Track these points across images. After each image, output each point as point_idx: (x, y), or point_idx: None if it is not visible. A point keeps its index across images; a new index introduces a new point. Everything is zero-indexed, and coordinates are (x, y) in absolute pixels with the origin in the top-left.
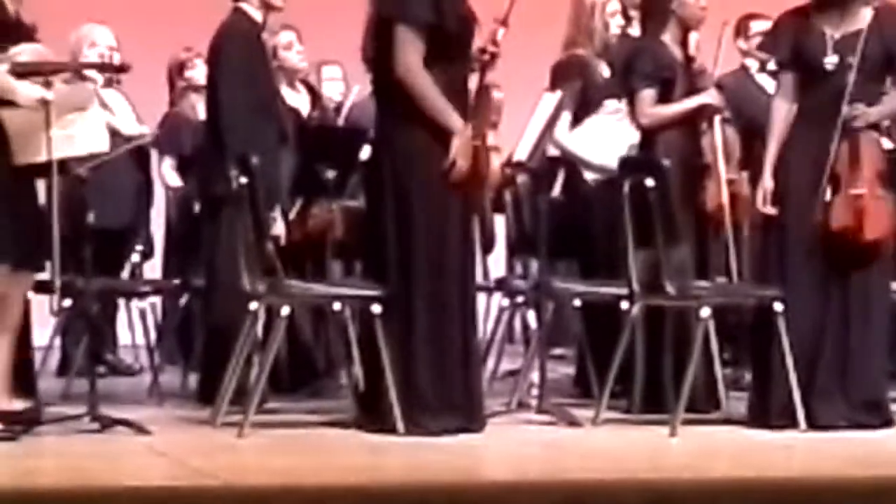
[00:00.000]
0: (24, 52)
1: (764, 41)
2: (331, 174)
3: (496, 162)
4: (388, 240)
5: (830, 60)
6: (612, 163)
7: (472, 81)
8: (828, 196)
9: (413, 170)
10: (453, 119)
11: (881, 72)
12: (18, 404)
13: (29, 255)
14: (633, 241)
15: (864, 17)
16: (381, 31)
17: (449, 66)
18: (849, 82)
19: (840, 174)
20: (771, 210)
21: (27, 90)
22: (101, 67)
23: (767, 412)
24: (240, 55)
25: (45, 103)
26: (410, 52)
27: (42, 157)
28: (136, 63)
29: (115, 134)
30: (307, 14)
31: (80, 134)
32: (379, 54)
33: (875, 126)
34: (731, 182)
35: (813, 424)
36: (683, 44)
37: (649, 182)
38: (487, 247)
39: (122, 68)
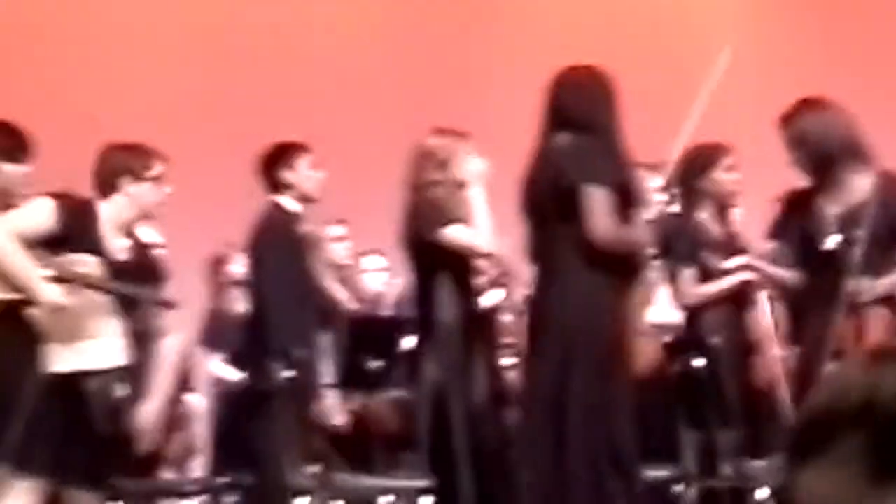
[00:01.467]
0: (76, 263)
1: (771, 228)
2: (374, 364)
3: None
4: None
5: (833, 239)
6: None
7: None
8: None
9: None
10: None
11: (889, 242)
12: None
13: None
14: (685, 421)
15: (863, 187)
16: (562, 197)
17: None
18: (853, 257)
19: (845, 353)
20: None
21: (48, 294)
22: (147, 300)
23: None
24: (279, 248)
25: (60, 309)
26: (605, 214)
27: (57, 367)
28: (177, 258)
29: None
30: (349, 204)
31: (93, 347)
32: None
33: (887, 299)
34: (777, 359)
35: None
36: (724, 219)
37: (698, 362)
38: None
39: (170, 304)
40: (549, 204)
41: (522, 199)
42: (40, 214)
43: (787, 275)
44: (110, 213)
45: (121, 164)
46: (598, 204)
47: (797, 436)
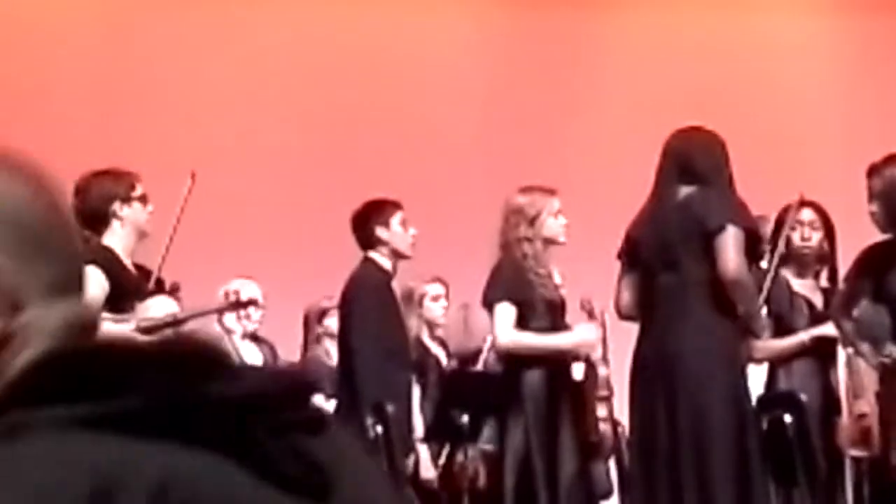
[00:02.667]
0: (150, 308)
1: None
2: (465, 419)
3: None
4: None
5: None
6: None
7: None
8: None
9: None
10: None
11: None
12: None
13: None
14: (774, 478)
15: None
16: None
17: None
18: None
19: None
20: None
21: None
22: (227, 308)
23: None
24: (371, 304)
25: None
26: (741, 254)
27: None
28: (277, 314)
29: None
30: (446, 262)
31: None
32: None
33: None
34: (861, 416)
35: None
36: (815, 276)
37: (787, 418)
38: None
39: (250, 302)
40: (686, 249)
41: (639, 246)
42: (95, 280)
43: (866, 349)
44: (116, 243)
45: (107, 191)
46: (737, 243)
47: None
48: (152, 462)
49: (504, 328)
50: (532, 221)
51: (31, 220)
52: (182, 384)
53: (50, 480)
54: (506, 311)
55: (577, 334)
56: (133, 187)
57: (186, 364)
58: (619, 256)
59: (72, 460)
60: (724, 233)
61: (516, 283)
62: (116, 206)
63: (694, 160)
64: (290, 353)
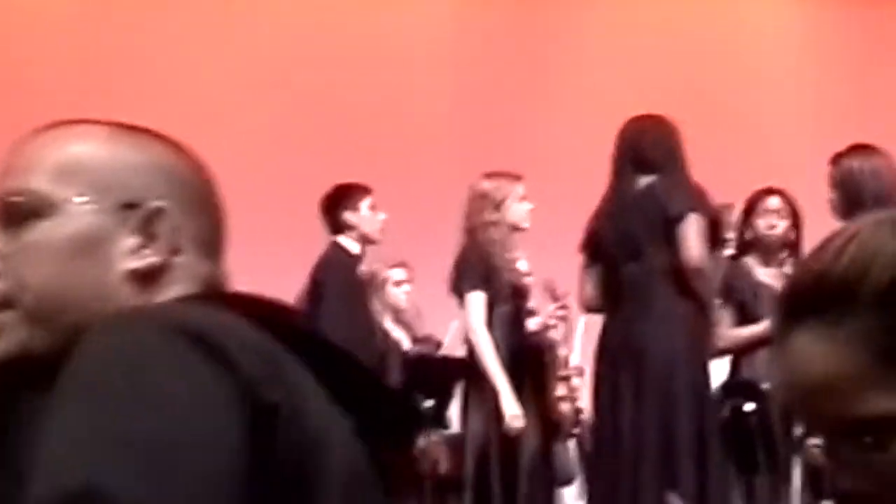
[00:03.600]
0: None
1: None
2: (428, 404)
3: None
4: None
5: None
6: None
7: None
8: None
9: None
10: None
11: None
12: None
13: None
14: (735, 465)
15: None
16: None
17: None
18: None
19: None
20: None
21: None
22: None
23: None
24: (339, 287)
25: None
26: (703, 239)
27: None
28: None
29: None
30: (411, 247)
31: None
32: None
33: None
34: None
35: None
36: (780, 264)
37: (749, 406)
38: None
39: None
40: (649, 238)
41: (600, 238)
42: None
43: None
44: None
45: None
46: (699, 230)
47: (809, 289)
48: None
49: (477, 318)
50: (498, 206)
51: (195, 183)
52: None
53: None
54: (477, 300)
55: None
56: None
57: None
58: (582, 250)
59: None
60: (685, 221)
61: (484, 270)
62: None
63: (647, 148)
64: None
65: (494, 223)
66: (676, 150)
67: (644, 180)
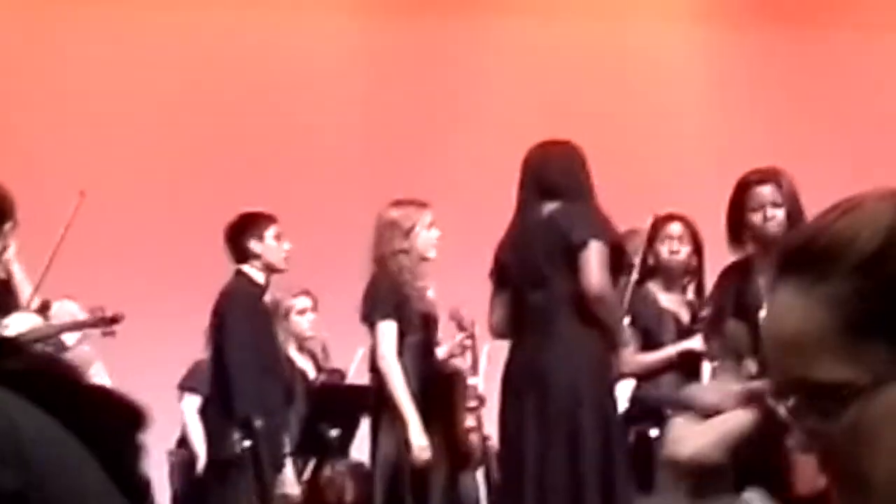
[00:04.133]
0: (9, 326)
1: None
2: (334, 433)
3: None
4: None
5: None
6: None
7: None
8: None
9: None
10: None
11: None
12: None
13: None
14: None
15: None
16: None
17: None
18: None
19: None
20: None
21: None
22: (93, 324)
23: None
24: (243, 318)
25: None
26: (604, 269)
27: None
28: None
29: None
30: (316, 276)
31: None
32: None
33: None
34: None
35: None
36: (683, 290)
37: (653, 432)
38: None
39: (114, 319)
40: (552, 266)
41: (506, 267)
42: None
43: (730, 366)
44: None
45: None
46: (600, 258)
47: (798, 247)
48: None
49: (389, 347)
50: (407, 234)
51: None
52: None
53: None
54: (389, 330)
55: None
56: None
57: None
58: (490, 276)
59: None
60: (586, 248)
61: (395, 299)
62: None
63: (552, 175)
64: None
65: (404, 251)
66: (581, 176)
67: (549, 207)
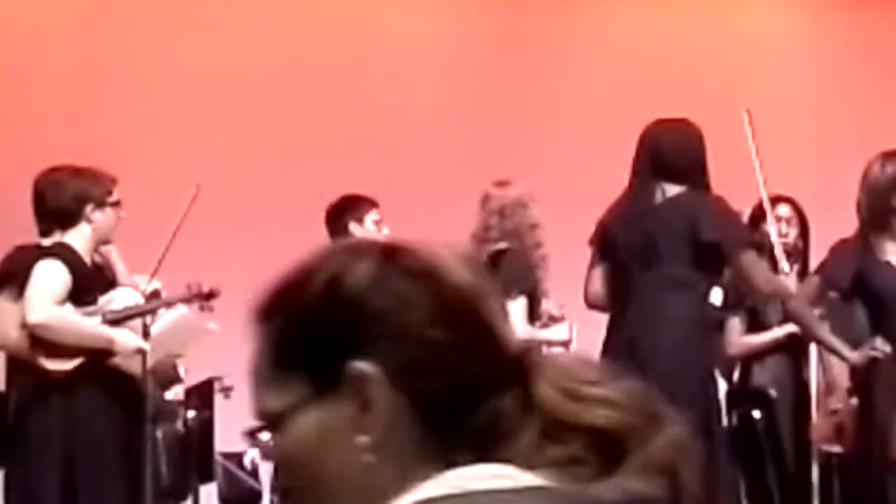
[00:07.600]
0: (114, 300)
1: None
2: None
3: None
4: None
5: None
6: None
7: None
8: None
9: None
10: None
11: None
12: None
13: None
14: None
15: None
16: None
17: None
18: None
19: None
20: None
21: (123, 339)
22: (189, 299)
23: None
24: None
25: (140, 352)
26: (764, 269)
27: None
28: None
29: None
30: None
31: None
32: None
33: None
34: (833, 412)
35: None
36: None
37: (756, 414)
38: None
39: (212, 294)
40: (669, 251)
41: (613, 241)
42: (57, 274)
43: (839, 345)
44: (79, 243)
45: (82, 192)
46: (757, 264)
47: (271, 292)
48: None
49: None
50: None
51: None
52: None
53: None
54: (520, 306)
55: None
56: (110, 192)
57: None
58: (591, 243)
59: None
60: (743, 259)
61: (530, 276)
62: (89, 208)
63: (670, 155)
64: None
65: (538, 226)
66: (701, 159)
67: (668, 190)
